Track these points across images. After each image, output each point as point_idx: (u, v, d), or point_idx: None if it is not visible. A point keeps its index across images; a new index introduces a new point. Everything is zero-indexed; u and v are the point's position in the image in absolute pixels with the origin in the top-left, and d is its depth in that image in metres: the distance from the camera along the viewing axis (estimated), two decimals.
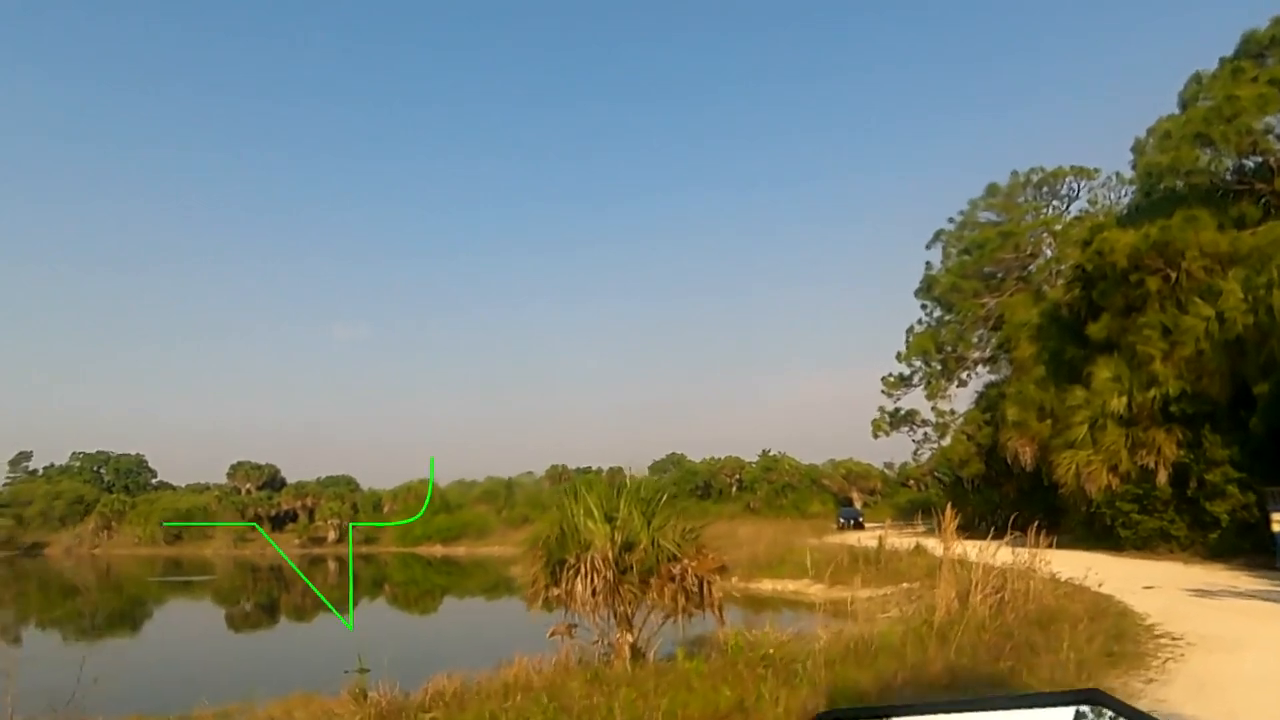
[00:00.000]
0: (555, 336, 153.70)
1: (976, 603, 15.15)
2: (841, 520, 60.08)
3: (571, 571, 11.76)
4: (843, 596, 26.79)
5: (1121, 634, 12.52)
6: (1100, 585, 17.62)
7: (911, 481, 79.58)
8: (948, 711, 1.89)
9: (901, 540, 30.81)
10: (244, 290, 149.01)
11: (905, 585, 24.64)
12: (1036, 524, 17.03)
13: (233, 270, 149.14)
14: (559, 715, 9.23)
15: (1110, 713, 1.70)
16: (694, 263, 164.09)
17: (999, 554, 18.12)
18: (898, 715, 2.22)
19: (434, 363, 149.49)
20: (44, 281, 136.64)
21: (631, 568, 11.98)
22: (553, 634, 12.11)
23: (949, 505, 16.46)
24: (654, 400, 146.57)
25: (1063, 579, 18.42)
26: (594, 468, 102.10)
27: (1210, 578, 19.97)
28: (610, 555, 11.87)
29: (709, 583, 12.37)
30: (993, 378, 42.91)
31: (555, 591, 12.05)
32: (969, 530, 25.08)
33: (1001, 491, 38.20)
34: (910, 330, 48.22)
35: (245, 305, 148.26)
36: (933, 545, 25.72)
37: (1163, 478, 25.40)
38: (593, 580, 11.53)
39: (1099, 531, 27.75)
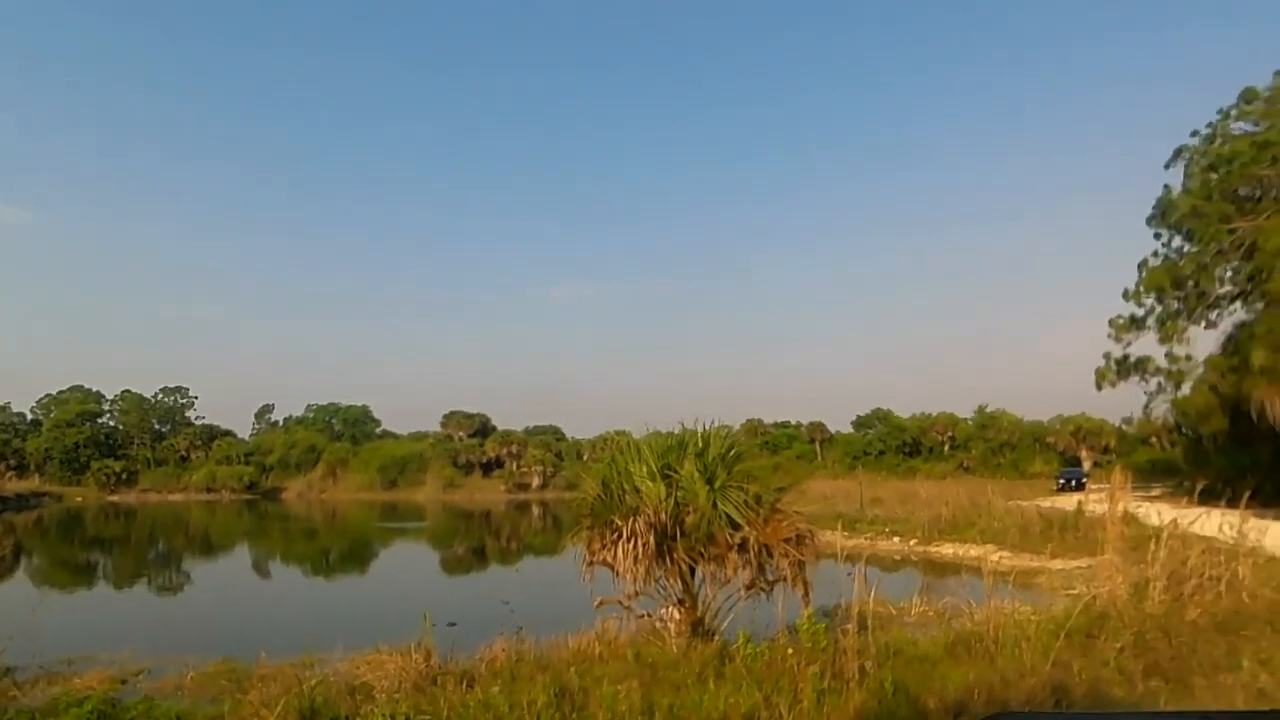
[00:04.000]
0: (760, 295, 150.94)
1: (1156, 592, 12.12)
2: (1061, 481, 54.05)
3: (614, 535, 10.32)
4: (1030, 566, 23.68)
5: None
6: None
7: (1154, 439, 70.17)
8: None
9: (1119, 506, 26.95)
10: (481, 257, 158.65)
11: (1105, 557, 21.33)
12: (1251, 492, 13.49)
13: (469, 243, 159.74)
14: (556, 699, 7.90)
15: None
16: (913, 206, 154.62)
17: (1204, 525, 14.77)
18: None
19: (644, 322, 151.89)
20: (291, 265, 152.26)
21: (681, 534, 10.34)
22: (599, 604, 10.76)
23: (1123, 469, 13.22)
24: (861, 355, 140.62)
25: None
26: (793, 422, 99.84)
27: None
28: (659, 518, 10.30)
29: (782, 554, 10.47)
30: (1244, 317, 35.85)
31: (603, 555, 10.66)
32: (1211, 497, 20.94)
33: (1252, 453, 32.31)
34: (1143, 264, 41.38)
35: (474, 271, 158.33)
36: (1155, 512, 21.93)
37: None
38: (635, 545, 10.01)
39: None
